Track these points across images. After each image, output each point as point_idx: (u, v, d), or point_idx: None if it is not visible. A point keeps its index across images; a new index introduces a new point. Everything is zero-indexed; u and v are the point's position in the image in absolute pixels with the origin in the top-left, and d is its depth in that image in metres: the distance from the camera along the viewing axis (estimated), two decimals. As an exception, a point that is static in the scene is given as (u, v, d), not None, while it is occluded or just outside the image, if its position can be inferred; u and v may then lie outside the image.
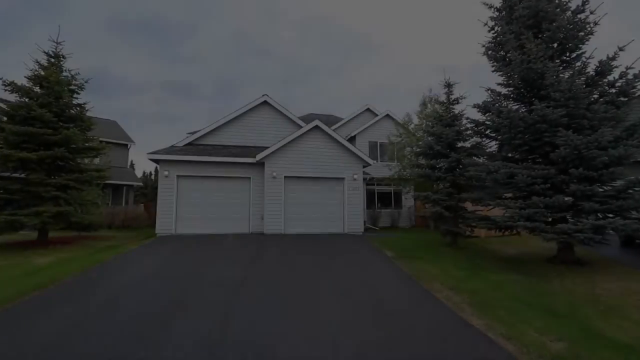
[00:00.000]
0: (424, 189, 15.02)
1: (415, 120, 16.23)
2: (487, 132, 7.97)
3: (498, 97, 7.28)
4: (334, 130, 13.33)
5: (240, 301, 4.73)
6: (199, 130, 13.12)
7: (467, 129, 8.98)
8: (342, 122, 19.40)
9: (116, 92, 72.42)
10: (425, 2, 64.74)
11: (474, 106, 7.76)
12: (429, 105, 15.83)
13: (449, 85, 10.41)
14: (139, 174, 39.82)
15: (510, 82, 7.17)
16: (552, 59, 6.60)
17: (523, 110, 7.04)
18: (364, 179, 13.99)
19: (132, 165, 40.10)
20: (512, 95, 7.53)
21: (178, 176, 11.71)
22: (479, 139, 8.80)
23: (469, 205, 10.03)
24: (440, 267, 7.09)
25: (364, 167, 13.03)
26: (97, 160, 17.05)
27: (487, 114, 7.57)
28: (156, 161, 11.80)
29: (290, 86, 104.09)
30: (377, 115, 18.85)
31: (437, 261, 7.64)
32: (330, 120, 19.76)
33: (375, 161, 15.08)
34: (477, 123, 8.03)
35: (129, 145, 21.85)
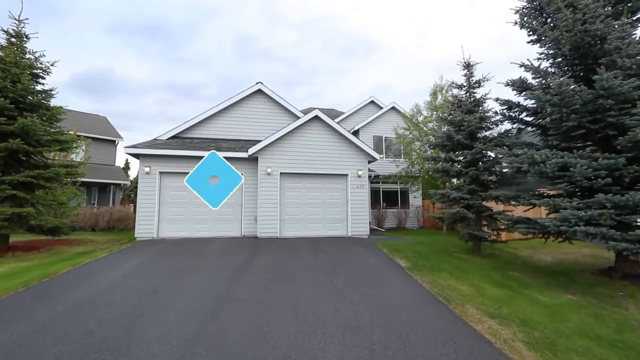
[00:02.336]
0: (435, 187, 13.65)
1: (425, 113, 14.86)
2: (523, 115, 6.55)
3: (539, 73, 5.83)
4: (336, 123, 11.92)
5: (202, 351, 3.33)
6: (185, 122, 11.75)
7: (495, 113, 7.52)
8: (345, 115, 18.00)
9: (119, 93, 71.57)
10: (427, 2, 63.15)
11: (507, 84, 6.31)
12: (439, 95, 14.50)
13: (468, 66, 8.99)
14: (135, 173, 38.63)
15: (558, 51, 5.73)
16: (617, 17, 5.19)
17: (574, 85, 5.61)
18: (369, 176, 12.59)
19: (127, 164, 38.98)
20: (555, 71, 6.09)
21: (161, 173, 10.37)
22: (510, 125, 7.34)
23: (492, 205, 8.64)
24: (469, 282, 5.70)
25: (369, 162, 11.62)
26: (78, 157, 15.81)
27: (524, 93, 6.14)
28: (136, 156, 10.45)
29: (292, 87, 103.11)
30: (382, 108, 17.47)
31: (463, 273, 6.24)
32: (332, 114, 18.37)
33: (381, 156, 13.71)
34: (510, 105, 6.59)
35: (116, 142, 20.50)
